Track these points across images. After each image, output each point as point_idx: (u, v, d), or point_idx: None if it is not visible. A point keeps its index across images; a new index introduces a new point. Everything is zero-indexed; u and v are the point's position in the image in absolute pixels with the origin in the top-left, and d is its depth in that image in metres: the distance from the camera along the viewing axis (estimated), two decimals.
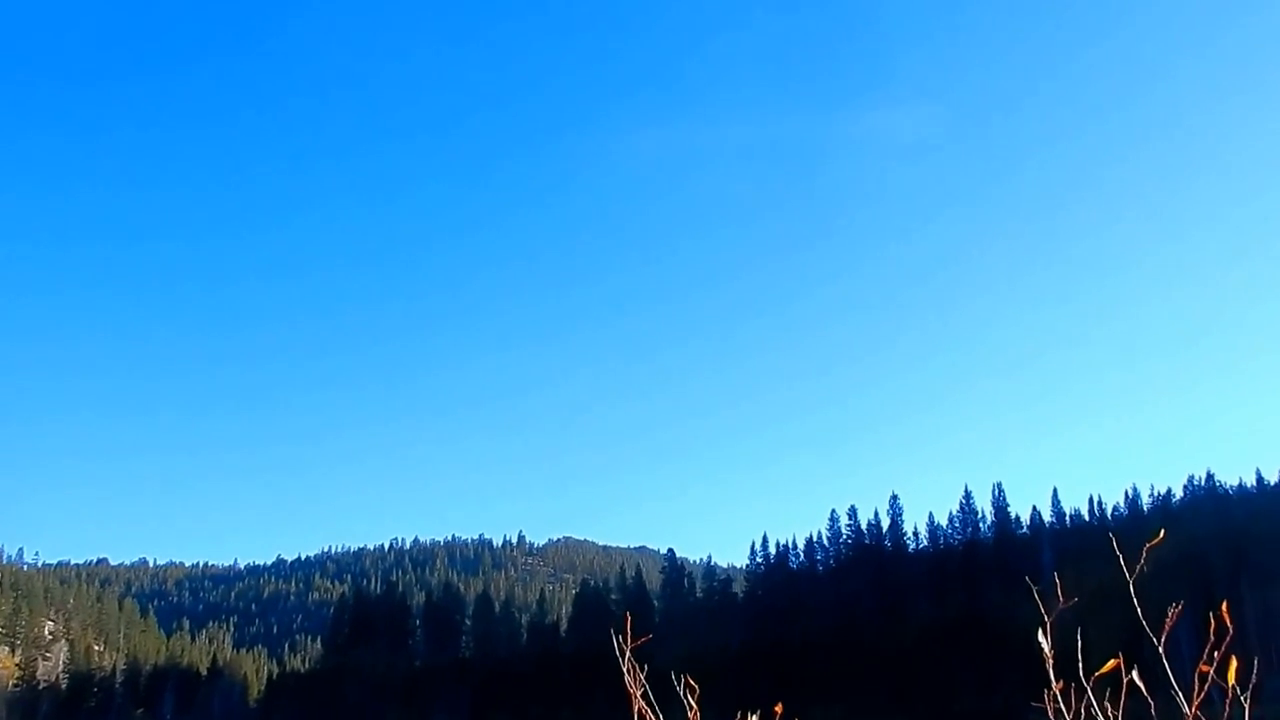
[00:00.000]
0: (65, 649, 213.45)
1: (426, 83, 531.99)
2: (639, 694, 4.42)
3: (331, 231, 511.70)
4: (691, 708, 4.79)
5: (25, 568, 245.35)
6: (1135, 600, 5.10)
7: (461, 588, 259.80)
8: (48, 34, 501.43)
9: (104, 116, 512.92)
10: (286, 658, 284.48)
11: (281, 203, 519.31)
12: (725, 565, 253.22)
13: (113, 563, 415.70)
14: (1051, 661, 4.83)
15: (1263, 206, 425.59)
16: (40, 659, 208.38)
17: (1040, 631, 4.79)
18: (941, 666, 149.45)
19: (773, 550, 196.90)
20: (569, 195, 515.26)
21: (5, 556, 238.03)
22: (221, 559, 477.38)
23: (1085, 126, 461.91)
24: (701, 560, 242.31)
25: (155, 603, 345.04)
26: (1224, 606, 4.58)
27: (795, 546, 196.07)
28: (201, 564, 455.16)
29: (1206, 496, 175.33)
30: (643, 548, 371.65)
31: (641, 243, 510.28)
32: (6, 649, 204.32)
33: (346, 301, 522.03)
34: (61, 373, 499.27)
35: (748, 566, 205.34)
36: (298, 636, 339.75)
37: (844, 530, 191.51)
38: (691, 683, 4.91)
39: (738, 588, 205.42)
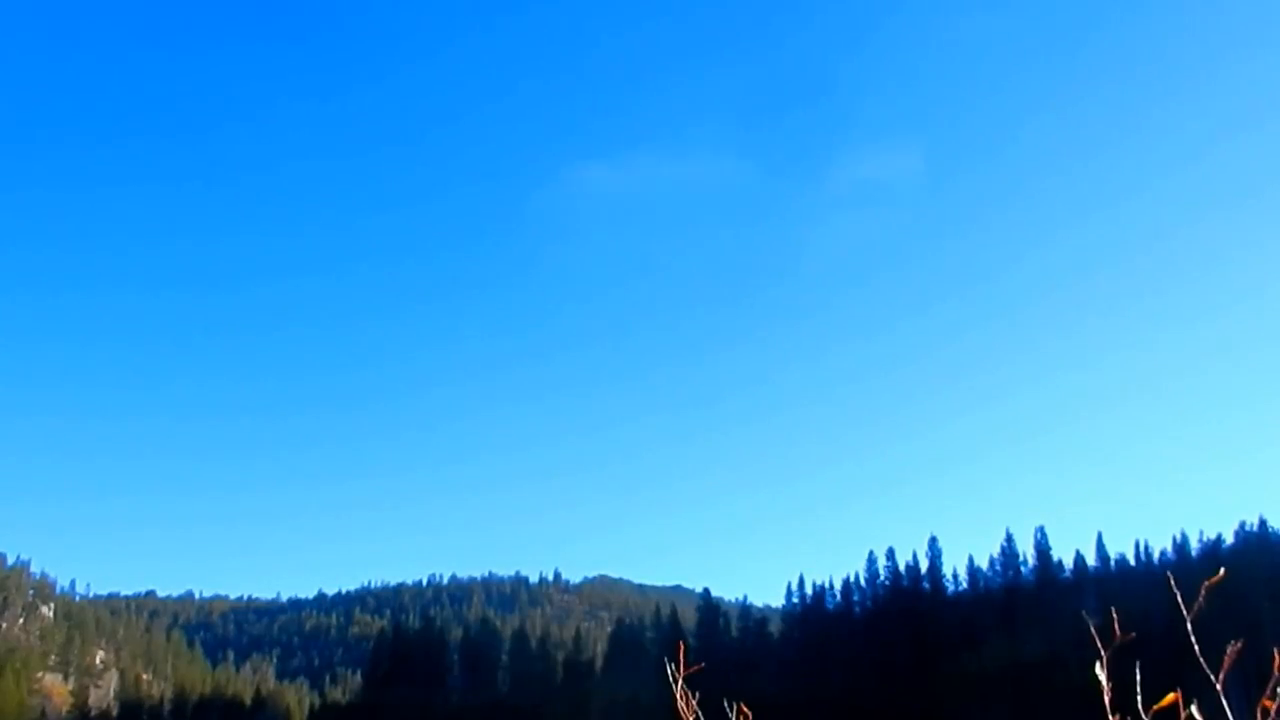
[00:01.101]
0: (116, 678, 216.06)
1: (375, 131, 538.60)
2: (692, 718, 4.43)
3: (366, 277, 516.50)
4: None
5: (77, 599, 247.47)
6: (1193, 640, 5.03)
7: (498, 624, 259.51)
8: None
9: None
10: (327, 690, 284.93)
11: (271, 261, 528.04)
12: (761, 605, 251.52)
13: (160, 595, 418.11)
14: (1109, 694, 4.78)
15: None
16: (92, 687, 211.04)
17: (1097, 664, 4.75)
18: (980, 714, 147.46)
19: (809, 591, 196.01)
20: (595, 245, 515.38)
21: (58, 588, 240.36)
22: (265, 593, 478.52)
23: (1122, 198, 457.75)
24: (737, 600, 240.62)
25: (201, 634, 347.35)
26: None
27: (832, 588, 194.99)
28: (245, 597, 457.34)
29: (1258, 543, 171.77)
30: (678, 587, 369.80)
31: (664, 295, 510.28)
32: (60, 677, 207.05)
33: (386, 348, 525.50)
34: (116, 413, 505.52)
35: (784, 607, 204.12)
36: (338, 669, 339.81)
37: (881, 572, 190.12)
38: (745, 710, 4.90)
39: (774, 628, 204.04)
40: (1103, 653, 4.83)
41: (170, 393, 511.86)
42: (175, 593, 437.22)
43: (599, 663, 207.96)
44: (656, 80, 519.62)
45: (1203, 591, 5.08)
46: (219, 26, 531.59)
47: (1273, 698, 4.39)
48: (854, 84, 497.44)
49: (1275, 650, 4.49)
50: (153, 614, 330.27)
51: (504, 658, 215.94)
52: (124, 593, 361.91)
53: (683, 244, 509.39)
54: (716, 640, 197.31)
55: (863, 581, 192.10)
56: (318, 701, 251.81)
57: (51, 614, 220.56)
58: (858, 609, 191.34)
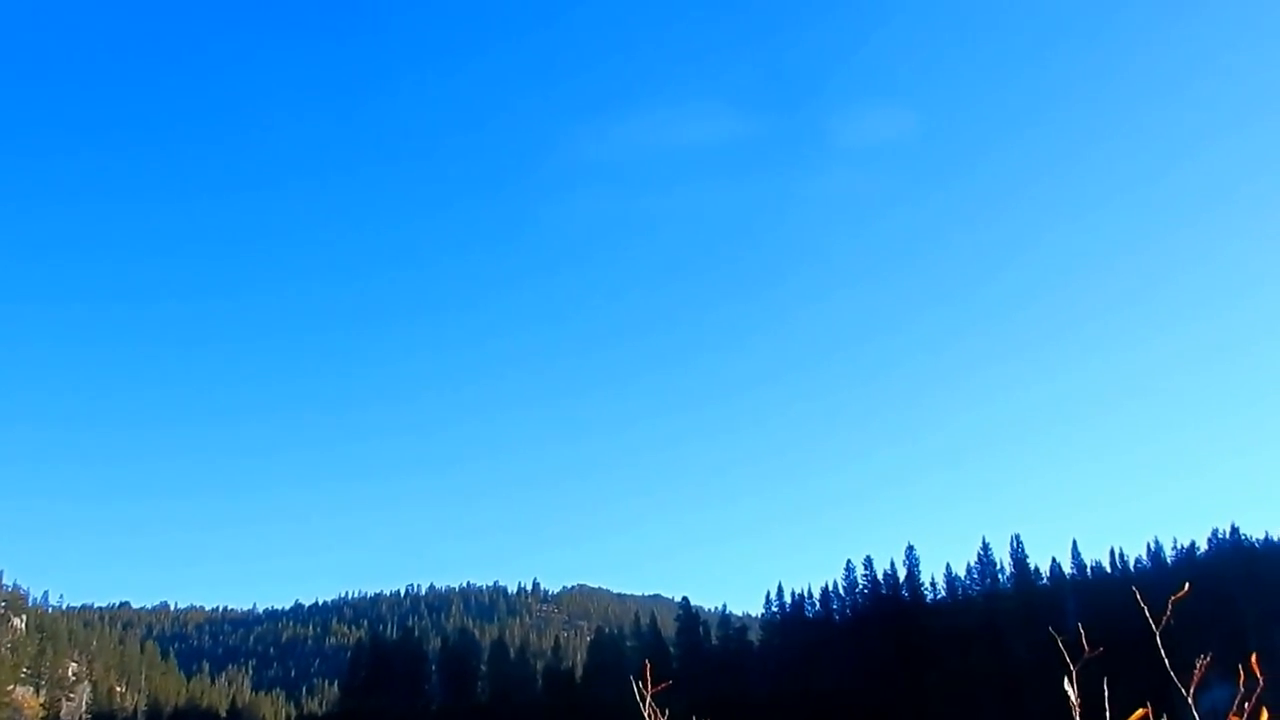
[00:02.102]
0: (88, 690, 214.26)
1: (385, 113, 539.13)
2: None
3: (343, 288, 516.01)
4: None
5: (50, 610, 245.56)
6: (1162, 652, 5.03)
7: (477, 634, 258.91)
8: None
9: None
10: (304, 701, 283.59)
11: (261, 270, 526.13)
12: (740, 614, 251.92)
13: (135, 606, 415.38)
14: (1078, 710, 4.77)
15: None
16: (64, 699, 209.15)
17: (1066, 680, 4.74)
18: (962, 714, 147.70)
19: (788, 599, 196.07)
20: (590, 252, 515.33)
21: (30, 599, 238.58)
22: (241, 603, 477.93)
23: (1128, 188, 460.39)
24: (716, 609, 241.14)
25: (176, 645, 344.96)
26: (1254, 657, 4.52)
27: (811, 596, 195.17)
28: (221, 608, 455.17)
29: (1231, 550, 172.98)
30: (657, 596, 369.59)
31: (656, 299, 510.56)
32: (31, 689, 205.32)
33: (365, 354, 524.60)
34: (90, 422, 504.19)
35: (763, 615, 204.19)
36: (315, 680, 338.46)
37: (860, 580, 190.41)
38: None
39: (753, 636, 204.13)
40: (1072, 667, 4.83)
41: (146, 402, 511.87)
42: (150, 604, 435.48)
43: (579, 672, 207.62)
44: (649, 36, 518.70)
45: (1170, 605, 5.07)
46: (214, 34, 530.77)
47: (1240, 713, 4.40)
48: (846, 38, 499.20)
49: (1240, 666, 4.50)
50: (127, 625, 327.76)
51: (483, 667, 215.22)
52: (98, 604, 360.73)
53: (676, 245, 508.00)
54: (697, 649, 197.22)
55: (841, 590, 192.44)
56: (294, 712, 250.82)
57: (24, 626, 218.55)
58: (837, 617, 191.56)
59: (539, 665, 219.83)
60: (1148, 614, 5.10)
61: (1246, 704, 4.44)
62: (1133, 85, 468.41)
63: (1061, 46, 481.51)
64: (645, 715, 4.42)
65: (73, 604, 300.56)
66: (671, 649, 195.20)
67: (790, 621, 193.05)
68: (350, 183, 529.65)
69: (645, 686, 4.40)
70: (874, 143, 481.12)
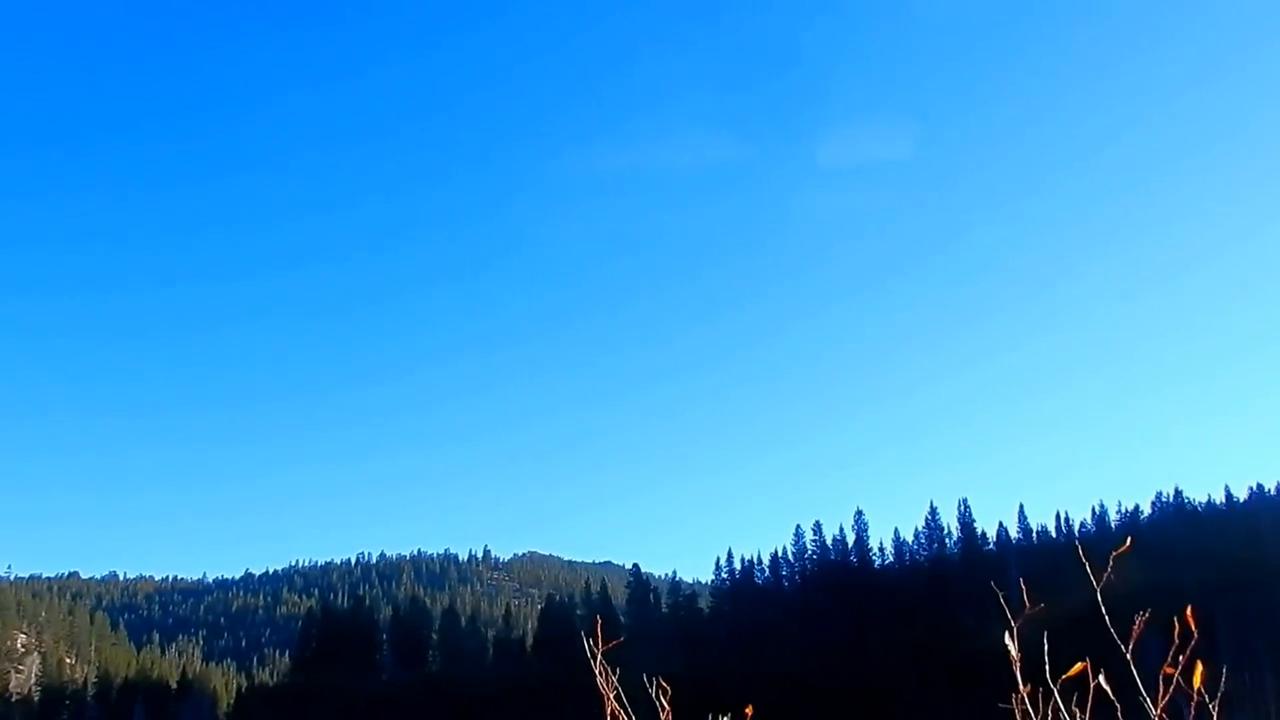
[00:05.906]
0: (37, 662, 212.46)
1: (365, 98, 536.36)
2: (611, 695, 4.46)
3: (292, 244, 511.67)
4: (664, 708, 4.82)
5: None
6: (1103, 609, 5.12)
7: (428, 602, 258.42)
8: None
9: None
10: (255, 671, 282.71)
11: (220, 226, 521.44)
12: (690, 581, 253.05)
13: (84, 576, 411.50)
14: (1019, 665, 4.86)
15: (1237, 217, 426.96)
16: (13, 672, 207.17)
17: (1007, 635, 4.82)
18: (913, 688, 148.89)
19: (738, 566, 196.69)
20: (519, 210, 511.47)
21: None
22: (190, 573, 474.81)
23: (1072, 162, 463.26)
24: (667, 575, 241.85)
25: (126, 616, 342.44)
26: (1188, 611, 4.62)
27: (760, 562, 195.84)
28: (171, 578, 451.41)
29: (1175, 514, 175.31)
30: (607, 563, 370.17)
31: (607, 256, 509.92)
32: None
33: (306, 314, 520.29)
34: (31, 384, 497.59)
35: (713, 582, 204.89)
36: (266, 650, 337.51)
37: (809, 546, 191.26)
38: (664, 684, 4.95)
39: (703, 603, 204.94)
40: (1013, 623, 4.92)
41: (90, 369, 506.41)
42: (99, 574, 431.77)
43: (529, 640, 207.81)
44: (637, 59, 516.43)
45: (1111, 561, 5.18)
46: (206, 20, 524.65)
47: (1175, 666, 4.51)
48: (834, 56, 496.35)
49: (1175, 619, 4.61)
50: (76, 595, 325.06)
51: (434, 636, 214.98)
52: (46, 574, 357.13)
53: (653, 224, 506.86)
54: (647, 616, 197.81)
55: (790, 556, 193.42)
56: (245, 683, 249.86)
57: None
58: (786, 583, 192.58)
59: (490, 634, 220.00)
60: (1089, 569, 5.20)
61: (1181, 656, 4.55)
62: (1131, 89, 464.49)
63: (1060, 48, 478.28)
64: (596, 673, 4.46)
65: (20, 574, 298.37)
66: (622, 617, 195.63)
67: (740, 588, 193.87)
68: (326, 167, 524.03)
69: (596, 644, 4.45)
70: (867, 159, 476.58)
